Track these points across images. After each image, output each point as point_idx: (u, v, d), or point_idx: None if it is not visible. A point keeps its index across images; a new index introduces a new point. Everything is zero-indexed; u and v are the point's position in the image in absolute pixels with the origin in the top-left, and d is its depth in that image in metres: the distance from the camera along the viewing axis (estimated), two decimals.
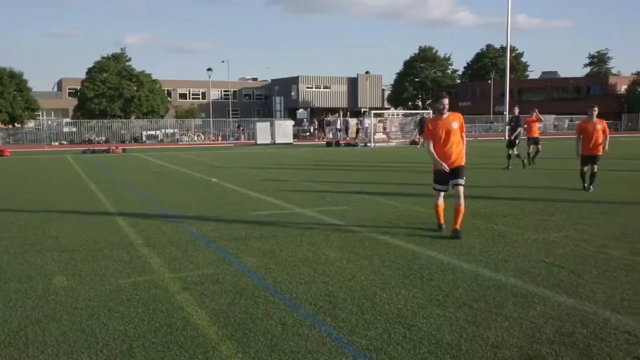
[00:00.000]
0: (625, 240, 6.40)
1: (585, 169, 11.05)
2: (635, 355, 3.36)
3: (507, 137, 18.30)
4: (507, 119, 28.68)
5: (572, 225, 7.38)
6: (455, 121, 6.72)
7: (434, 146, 6.74)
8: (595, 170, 10.91)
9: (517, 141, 16.49)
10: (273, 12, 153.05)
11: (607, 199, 9.80)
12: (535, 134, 17.17)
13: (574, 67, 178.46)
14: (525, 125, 17.23)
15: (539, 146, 17.10)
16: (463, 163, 6.75)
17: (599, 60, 77.60)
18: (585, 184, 11.04)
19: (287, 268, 5.39)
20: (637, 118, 59.12)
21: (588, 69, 78.20)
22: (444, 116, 6.71)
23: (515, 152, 16.31)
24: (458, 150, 6.72)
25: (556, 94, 69.61)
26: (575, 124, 11.17)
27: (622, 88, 66.81)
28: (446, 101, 6.70)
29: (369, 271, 5.25)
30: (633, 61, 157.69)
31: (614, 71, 75.67)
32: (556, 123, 57.58)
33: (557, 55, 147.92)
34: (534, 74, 78.50)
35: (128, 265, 5.59)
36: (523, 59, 75.93)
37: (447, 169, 6.66)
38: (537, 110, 17.26)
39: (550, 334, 3.69)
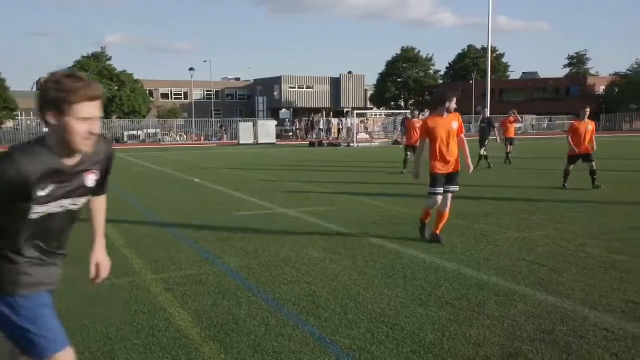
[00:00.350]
0: (604, 239, 6.50)
1: (572, 168, 11.31)
2: (613, 351, 3.41)
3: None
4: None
5: (552, 224, 7.48)
6: (454, 121, 6.33)
7: (432, 146, 6.29)
8: (594, 167, 11.12)
9: (486, 142, 16.74)
10: (257, 13, 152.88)
11: (587, 198, 9.95)
12: (512, 134, 18.17)
13: (553, 68, 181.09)
14: (501, 126, 18.14)
15: (512, 147, 17.90)
16: (459, 169, 6.39)
17: (578, 61, 78.46)
18: (566, 184, 11.30)
19: (271, 268, 5.39)
20: (615, 118, 60.06)
21: (567, 70, 79.17)
22: (445, 116, 6.29)
23: (483, 153, 16.52)
24: (456, 153, 6.34)
25: (536, 94, 70.42)
26: (569, 124, 11.46)
27: (601, 89, 67.81)
28: (455, 100, 6.31)
29: (352, 271, 5.27)
30: (611, 62, 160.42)
31: (592, 72, 76.70)
32: (533, 123, 58.28)
33: (538, 56, 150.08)
34: (514, 74, 79.34)
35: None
36: (504, 60, 76.60)
37: (416, 179, 6.50)
38: (515, 112, 18.12)
39: (531, 331, 3.74)
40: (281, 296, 4.54)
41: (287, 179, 14.22)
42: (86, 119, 1.97)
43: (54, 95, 1.92)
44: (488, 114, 18.04)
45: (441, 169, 6.29)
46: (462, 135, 6.44)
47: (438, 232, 6.42)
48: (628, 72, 63.75)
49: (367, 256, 5.81)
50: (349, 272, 5.22)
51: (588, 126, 11.15)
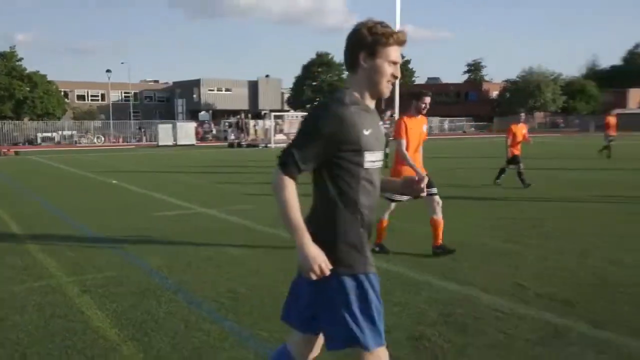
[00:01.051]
0: (500, 230, 7.14)
1: (522, 167, 11.73)
2: (503, 329, 3.82)
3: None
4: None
5: (457, 217, 8.00)
6: (424, 124, 6.04)
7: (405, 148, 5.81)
8: (522, 168, 11.71)
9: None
10: (175, 15, 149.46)
11: (489, 194, 10.75)
12: None
13: (454, 74, 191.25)
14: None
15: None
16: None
17: (475, 69, 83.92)
18: (529, 183, 11.46)
19: (191, 267, 5.46)
20: (507, 121, 64.36)
21: (466, 76, 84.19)
22: (418, 117, 5.95)
23: (387, 151, 17.36)
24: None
25: (439, 98, 73.92)
26: (508, 127, 12.23)
27: (494, 94, 72.92)
28: (427, 100, 5.88)
29: (271, 267, 5.44)
30: (503, 70, 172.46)
31: (487, 78, 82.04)
32: (431, 125, 61.44)
33: (440, 63, 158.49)
34: (420, 79, 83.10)
35: (23, 271, 5.38)
36: (410, 66, 79.65)
37: (424, 177, 5.94)
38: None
39: (434, 316, 4.08)
40: (202, 294, 4.64)
41: (207, 179, 14.15)
42: (393, 62, 2.08)
43: (370, 38, 2.02)
44: (388, 115, 18.99)
45: (411, 173, 5.68)
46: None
47: (440, 242, 5.93)
48: (517, 79, 68.58)
49: (285, 252, 6.00)
50: (268, 268, 5.39)
51: (523, 130, 12.03)
